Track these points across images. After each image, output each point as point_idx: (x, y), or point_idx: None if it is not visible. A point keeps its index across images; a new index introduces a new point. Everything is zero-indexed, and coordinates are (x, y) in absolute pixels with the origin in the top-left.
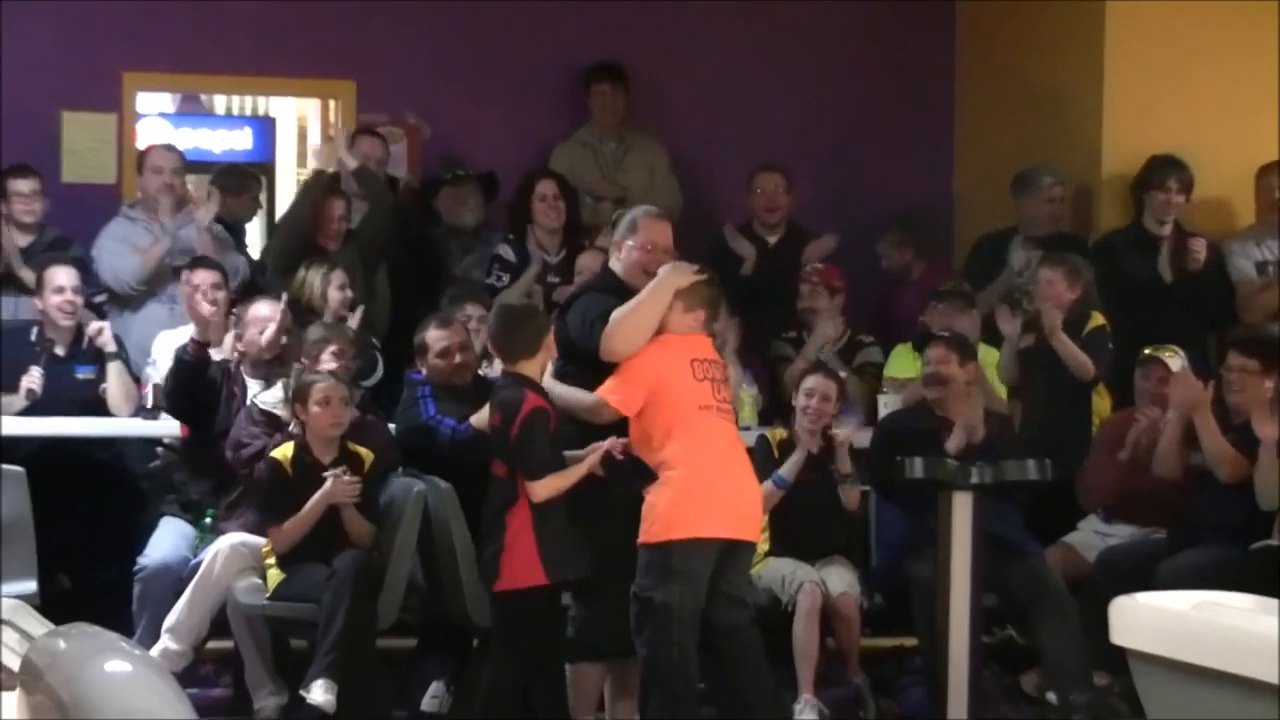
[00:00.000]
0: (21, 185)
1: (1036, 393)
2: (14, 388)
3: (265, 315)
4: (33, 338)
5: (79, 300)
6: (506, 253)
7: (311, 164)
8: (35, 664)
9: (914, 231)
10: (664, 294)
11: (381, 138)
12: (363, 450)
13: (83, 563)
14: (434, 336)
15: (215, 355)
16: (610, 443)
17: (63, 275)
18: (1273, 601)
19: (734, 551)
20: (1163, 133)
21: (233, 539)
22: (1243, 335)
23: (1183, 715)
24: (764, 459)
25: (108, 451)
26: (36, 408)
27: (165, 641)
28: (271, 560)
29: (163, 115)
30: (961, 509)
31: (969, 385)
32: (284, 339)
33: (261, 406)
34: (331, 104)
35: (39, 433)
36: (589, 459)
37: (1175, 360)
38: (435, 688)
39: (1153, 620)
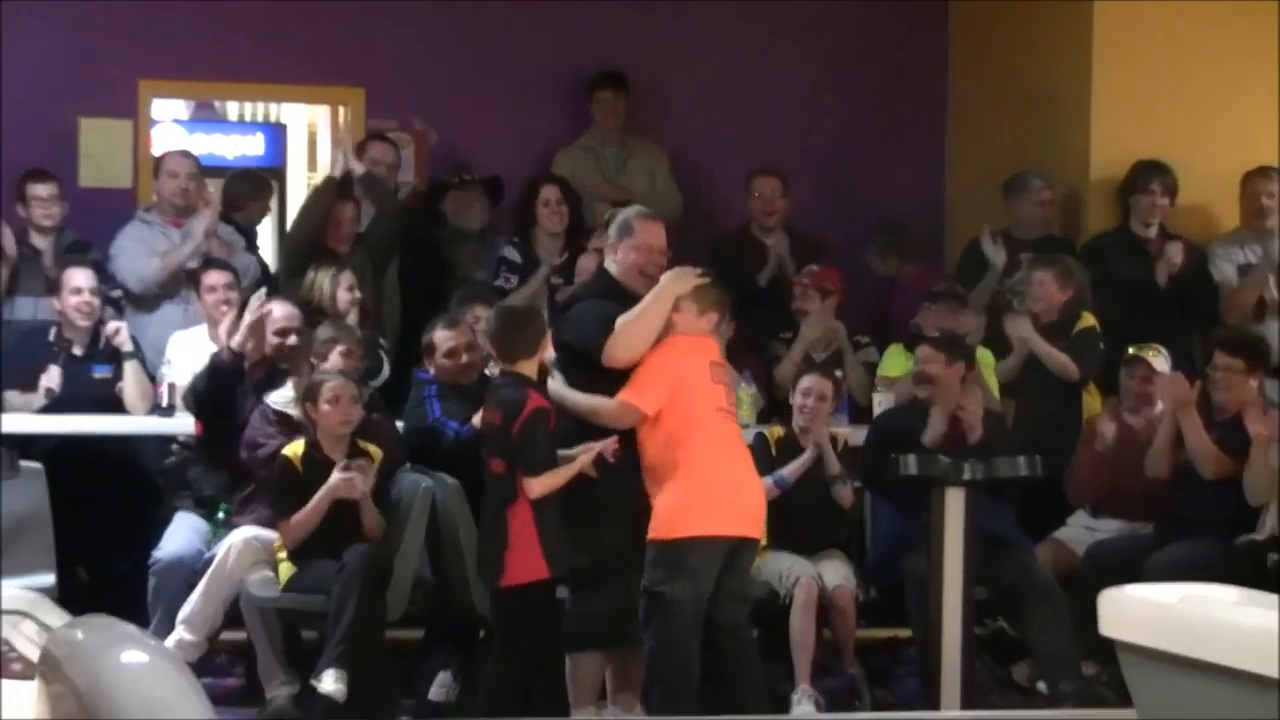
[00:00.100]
0: (40, 190)
1: (1029, 391)
2: (33, 387)
3: (278, 317)
4: (51, 338)
5: (96, 301)
6: (512, 254)
7: (324, 168)
8: (53, 654)
9: (897, 239)
10: (667, 300)
11: (393, 143)
12: (372, 447)
13: (100, 556)
14: (441, 337)
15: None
16: (604, 444)
17: (80, 277)
18: (1257, 594)
19: (740, 549)
20: (1150, 138)
21: (245, 533)
22: (1228, 335)
23: (1169, 704)
24: (762, 456)
25: (124, 448)
26: (55, 406)
27: (180, 633)
28: (283, 554)
29: (177, 121)
30: (954, 504)
31: (957, 383)
32: (293, 340)
33: (275, 407)
34: (341, 110)
35: (57, 430)
36: (582, 459)
37: (1159, 359)
38: (442, 678)
39: (1140, 612)
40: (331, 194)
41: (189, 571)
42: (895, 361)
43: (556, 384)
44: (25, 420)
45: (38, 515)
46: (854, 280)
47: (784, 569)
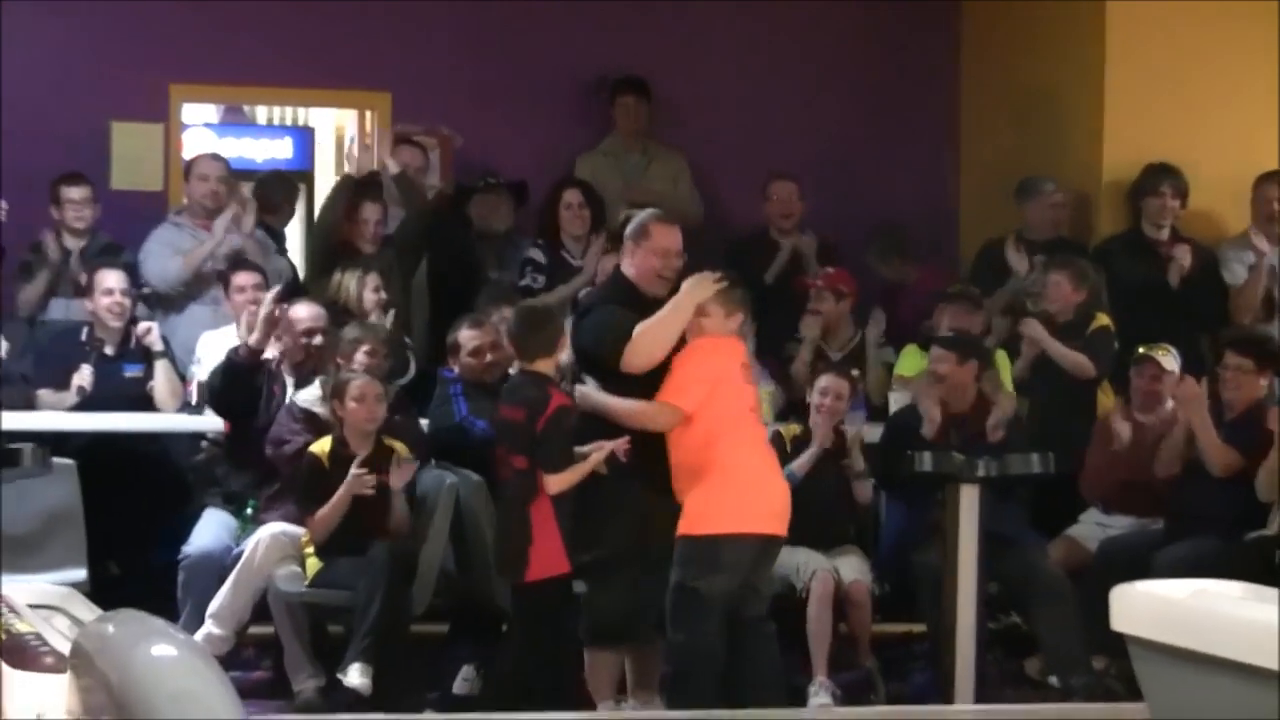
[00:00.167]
0: (73, 192)
1: (1043, 390)
2: (66, 385)
3: (304, 317)
4: (83, 338)
5: (127, 302)
6: (538, 255)
7: (347, 169)
8: (85, 648)
9: (895, 241)
10: (687, 309)
11: (421, 147)
12: (397, 445)
13: (130, 551)
14: (466, 336)
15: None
16: (616, 443)
17: (112, 278)
18: (1266, 590)
19: (768, 546)
20: (1161, 141)
21: (273, 529)
22: (1238, 335)
23: (1179, 697)
24: (778, 453)
25: (154, 446)
26: (87, 404)
27: (209, 627)
28: (310, 549)
29: (207, 125)
30: (968, 501)
31: (970, 382)
32: (316, 340)
33: (301, 405)
34: (368, 115)
35: (89, 428)
36: (594, 456)
37: (1168, 358)
38: (466, 671)
39: (1151, 607)
40: (348, 192)
41: (218, 566)
42: (910, 361)
43: (590, 389)
44: (58, 418)
45: (70, 511)
46: (864, 282)
47: (800, 563)
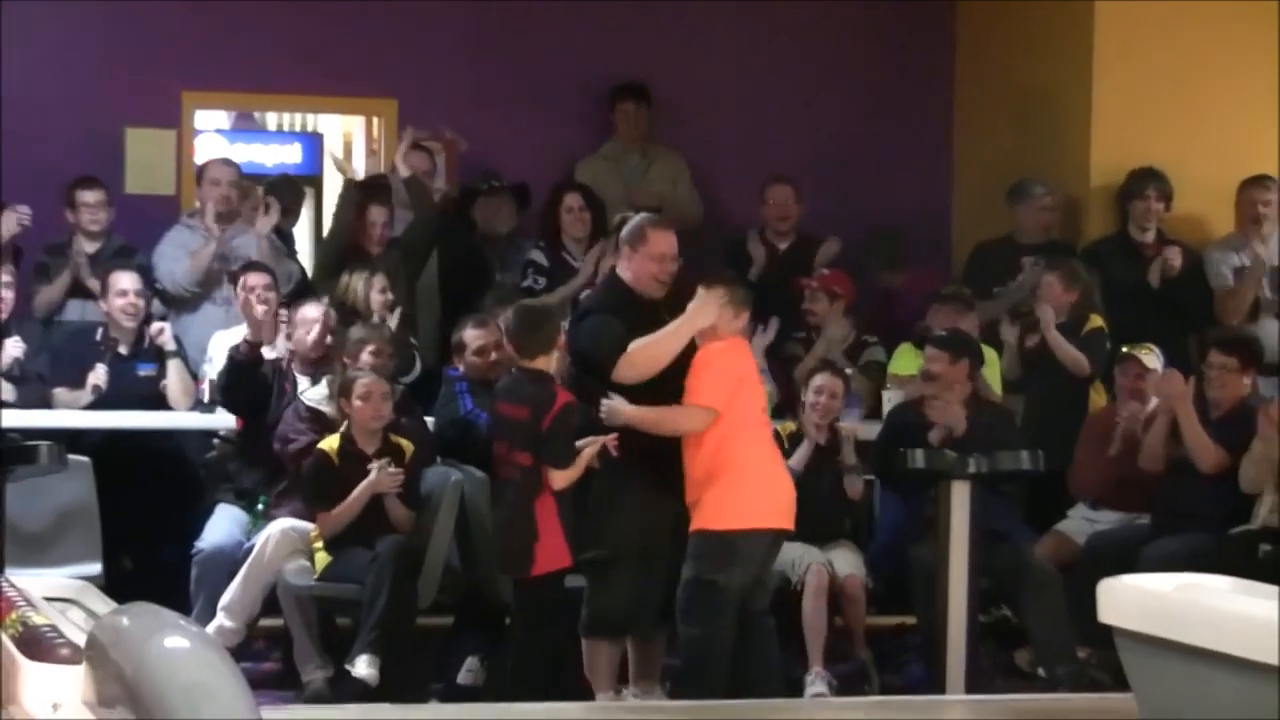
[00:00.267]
0: (88, 196)
1: (1038, 389)
2: (81, 384)
3: (313, 317)
4: (98, 338)
5: (141, 303)
6: (540, 257)
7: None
8: (100, 640)
9: (886, 248)
10: (689, 331)
11: (429, 151)
12: (404, 442)
13: (144, 546)
14: (471, 335)
15: (268, 354)
16: (607, 439)
17: (125, 280)
18: (1249, 583)
19: (776, 540)
20: (1148, 146)
21: (283, 524)
22: (1224, 335)
23: (1164, 688)
24: None
25: (167, 443)
26: (102, 402)
27: (220, 619)
28: (319, 544)
29: (219, 131)
30: (960, 497)
31: (962, 380)
32: (328, 339)
33: (308, 403)
34: (374, 120)
35: (104, 426)
36: (587, 451)
37: (1151, 357)
38: (470, 662)
39: (1138, 600)
40: (359, 198)
41: (229, 561)
42: (905, 360)
43: (618, 402)
44: (73, 416)
45: (85, 507)
46: (859, 283)
47: (796, 557)
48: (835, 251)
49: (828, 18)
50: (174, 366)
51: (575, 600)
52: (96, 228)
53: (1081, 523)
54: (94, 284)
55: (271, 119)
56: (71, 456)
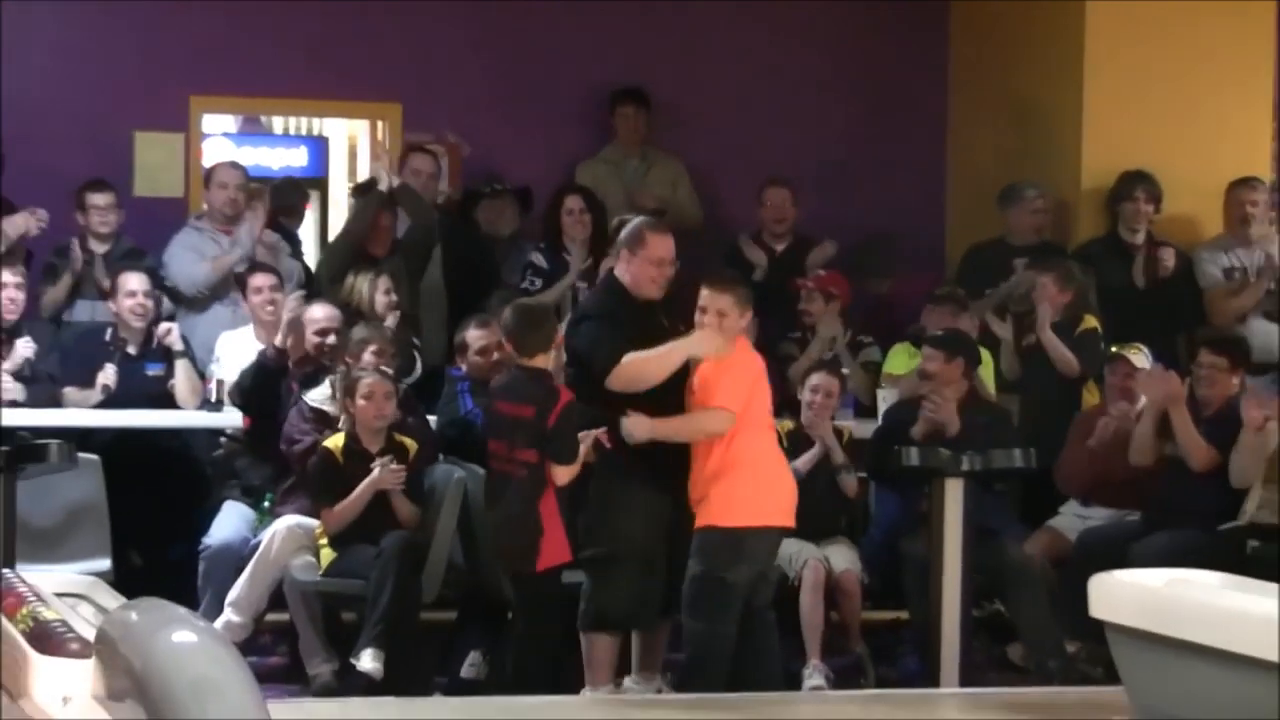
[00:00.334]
0: (98, 199)
1: (1034, 388)
2: (90, 383)
3: (319, 318)
4: (107, 338)
5: (149, 303)
6: (539, 260)
7: (380, 178)
8: (109, 634)
9: (872, 258)
10: (682, 356)
11: (433, 154)
12: (407, 440)
13: (152, 542)
14: (473, 336)
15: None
16: (597, 432)
17: (134, 281)
18: (1237, 578)
19: (780, 537)
20: (1137, 150)
21: (289, 521)
22: (1214, 336)
23: (1154, 681)
24: None
25: (175, 441)
26: (111, 401)
27: (227, 614)
28: (324, 540)
29: (226, 135)
30: (953, 494)
31: (957, 378)
32: (332, 339)
33: (311, 404)
34: (379, 124)
35: (113, 424)
36: (583, 446)
37: (1140, 357)
38: (473, 656)
39: (1128, 595)
40: (379, 206)
41: (236, 557)
42: (899, 360)
43: (639, 419)
44: (83, 415)
45: (95, 504)
46: (855, 285)
47: (793, 553)
48: (831, 254)
49: (824, 23)
50: (182, 366)
51: (573, 595)
52: (106, 230)
53: (1073, 519)
54: (105, 282)
55: (278, 123)
56: (81, 455)
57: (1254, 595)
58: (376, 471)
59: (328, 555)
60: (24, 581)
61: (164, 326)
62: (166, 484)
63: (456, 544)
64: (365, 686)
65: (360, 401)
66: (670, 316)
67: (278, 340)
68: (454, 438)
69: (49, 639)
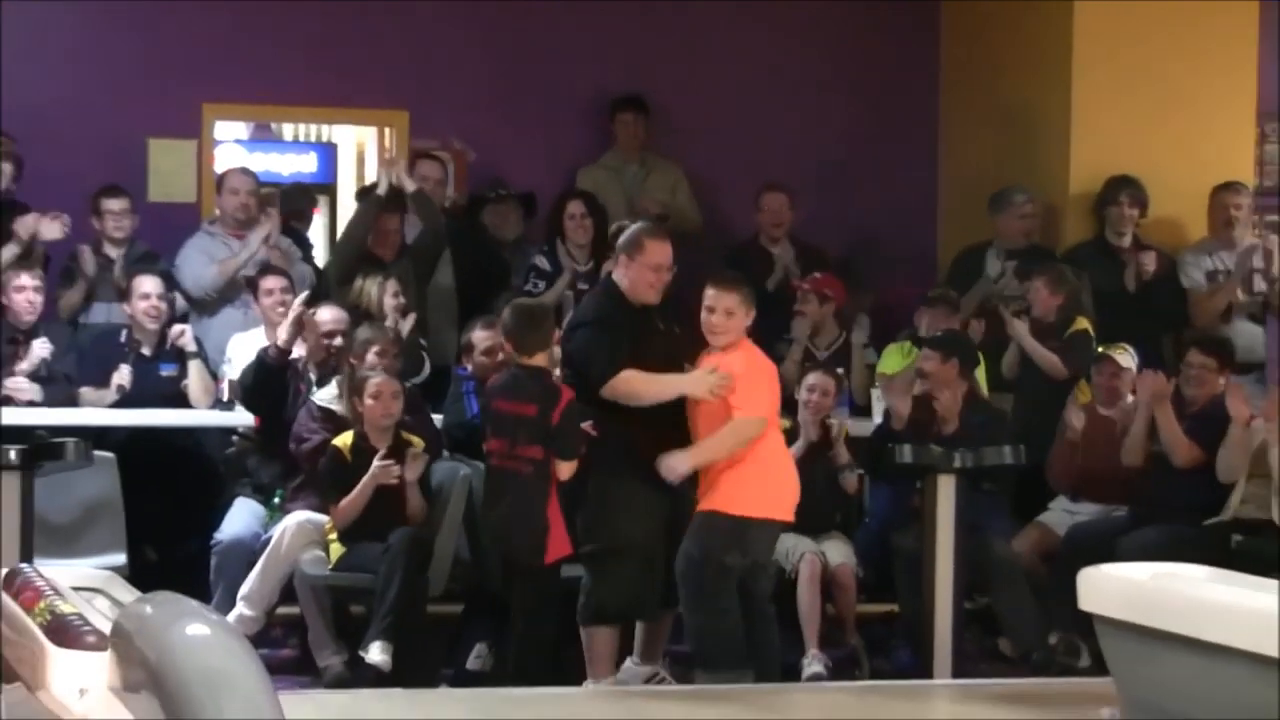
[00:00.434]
0: (113, 204)
1: (1029, 388)
2: (106, 384)
3: (326, 320)
4: (122, 339)
5: (163, 306)
6: (542, 262)
7: (380, 181)
8: (124, 627)
9: (850, 274)
10: (676, 391)
11: (441, 161)
12: (414, 438)
13: (166, 538)
14: (479, 336)
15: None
16: (585, 424)
17: (148, 284)
18: (1222, 572)
19: (780, 530)
20: (1124, 156)
21: (299, 517)
22: (1203, 337)
23: (1141, 672)
24: None
25: (188, 440)
26: (126, 401)
27: (240, 608)
28: (333, 535)
29: (238, 141)
30: (945, 490)
31: (952, 378)
32: (338, 340)
33: (319, 404)
34: (387, 131)
35: (128, 423)
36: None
37: (1125, 357)
38: (479, 649)
39: (1116, 588)
40: (378, 209)
41: (248, 552)
42: (892, 360)
43: (674, 458)
44: (99, 414)
45: (110, 501)
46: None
47: (789, 547)
48: (792, 256)
49: (818, 32)
50: (195, 367)
51: (572, 589)
52: (121, 234)
53: (1062, 515)
54: (121, 285)
55: (288, 130)
56: (97, 452)
57: (1238, 588)
58: (375, 467)
59: (337, 550)
60: (41, 576)
61: (177, 328)
62: (180, 481)
63: (462, 539)
64: (373, 678)
65: (368, 401)
66: (666, 320)
67: (281, 339)
68: (460, 437)
69: (66, 632)
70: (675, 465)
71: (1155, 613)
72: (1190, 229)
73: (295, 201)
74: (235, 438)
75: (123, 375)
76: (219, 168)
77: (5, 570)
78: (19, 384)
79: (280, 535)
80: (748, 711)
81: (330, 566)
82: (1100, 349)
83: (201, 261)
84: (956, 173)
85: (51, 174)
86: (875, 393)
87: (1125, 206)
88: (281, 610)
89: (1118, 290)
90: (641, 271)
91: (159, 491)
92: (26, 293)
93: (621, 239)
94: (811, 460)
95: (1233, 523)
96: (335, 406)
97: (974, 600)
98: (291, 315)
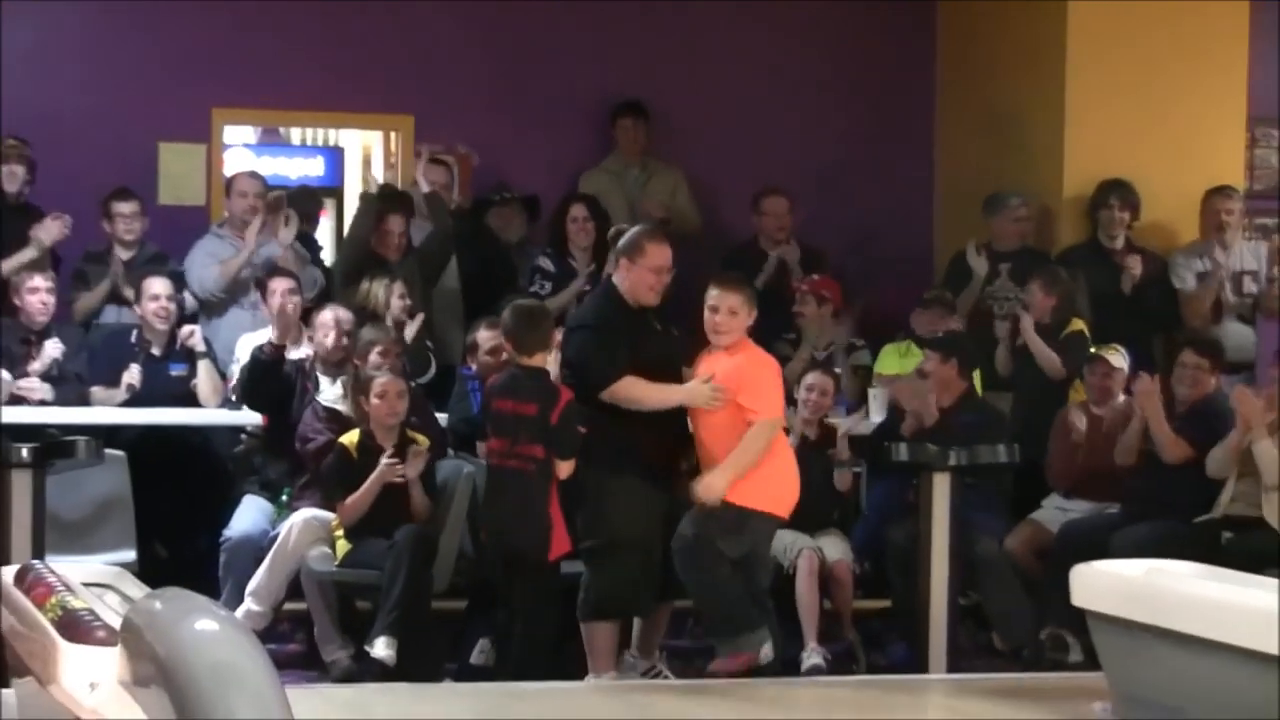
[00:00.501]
0: (124, 207)
1: (1025, 387)
2: (116, 383)
3: (332, 320)
4: (132, 340)
5: (173, 307)
6: (546, 264)
7: (378, 182)
8: (135, 623)
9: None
10: (674, 403)
11: (448, 165)
12: (420, 437)
13: (176, 535)
14: (484, 336)
15: (293, 354)
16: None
17: (158, 285)
18: (1213, 568)
19: (777, 525)
20: (1117, 159)
21: (306, 514)
22: (1197, 338)
23: (1133, 666)
24: None
25: (197, 438)
26: (136, 400)
27: (248, 603)
28: (340, 532)
29: (246, 145)
30: (940, 487)
31: (953, 376)
32: (344, 340)
33: (324, 404)
34: (392, 135)
35: (138, 422)
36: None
37: (1117, 357)
38: (482, 644)
39: (1108, 584)
40: (375, 209)
41: (256, 549)
42: (888, 361)
43: (712, 479)
44: (109, 413)
45: (121, 498)
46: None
47: (787, 543)
48: (797, 256)
49: (817, 34)
50: (204, 367)
51: (572, 585)
52: (131, 236)
53: (1055, 512)
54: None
55: (295, 134)
56: (108, 451)
57: (1228, 585)
58: (380, 466)
59: (343, 547)
60: (53, 572)
61: (187, 329)
62: (189, 479)
63: (466, 536)
64: (379, 672)
65: (374, 400)
66: (664, 321)
67: (274, 336)
68: (465, 433)
69: (77, 627)
70: (713, 485)
71: (1147, 608)
72: (1182, 232)
73: (302, 204)
74: (244, 436)
75: (133, 375)
76: (228, 171)
77: (17, 566)
78: (31, 384)
79: (287, 532)
80: (747, 706)
81: (336, 563)
82: (1092, 349)
83: (208, 264)
84: (952, 175)
85: (64, 177)
86: (872, 392)
87: (1116, 209)
88: (289, 606)
89: (1110, 291)
90: (642, 274)
91: (168, 489)
92: (40, 294)
93: (621, 242)
94: (809, 459)
95: (1223, 520)
96: (340, 406)
97: (967, 596)
98: (284, 307)
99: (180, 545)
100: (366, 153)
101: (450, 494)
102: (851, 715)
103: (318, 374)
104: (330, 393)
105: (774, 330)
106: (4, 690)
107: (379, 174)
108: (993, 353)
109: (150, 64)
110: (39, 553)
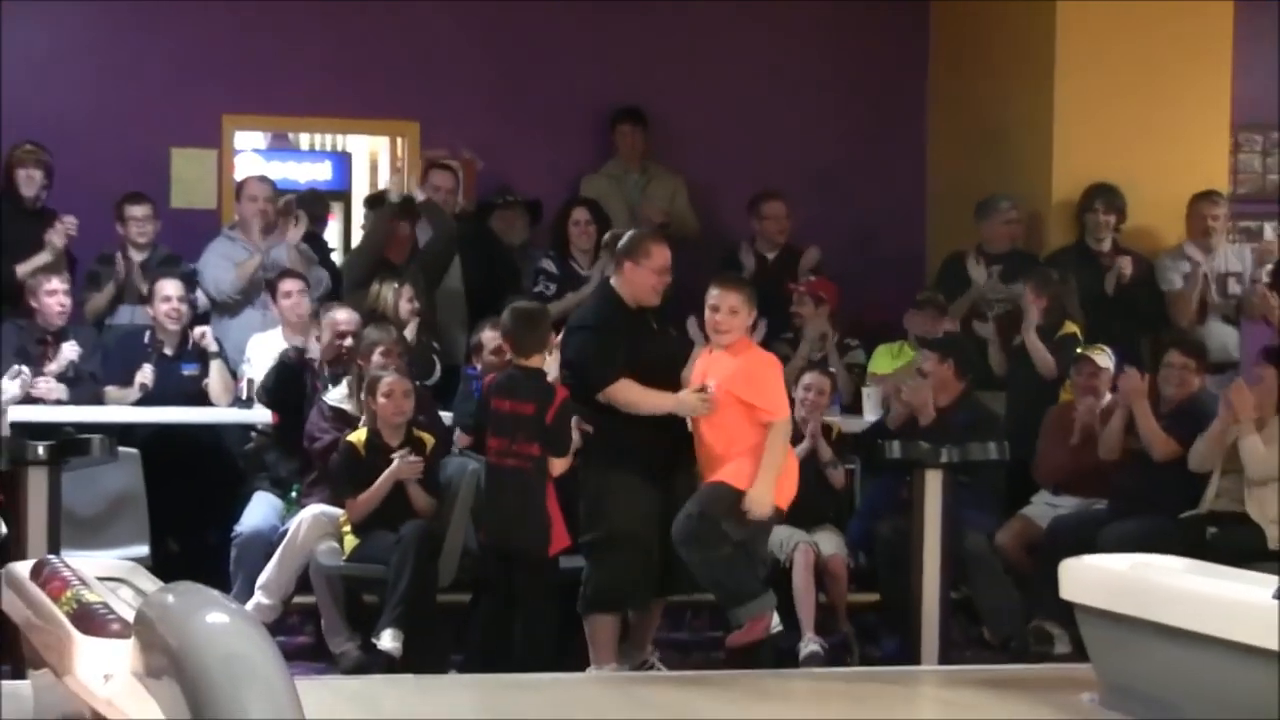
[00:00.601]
0: (137, 210)
1: (1019, 386)
2: (130, 383)
3: (340, 320)
4: (145, 340)
5: (184, 308)
6: (549, 266)
7: (390, 190)
8: (147, 616)
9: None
10: (668, 409)
11: (453, 170)
12: (425, 435)
13: (188, 530)
14: (488, 337)
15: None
16: (575, 420)
17: (170, 287)
18: (1196, 563)
19: (776, 516)
20: (1103, 165)
21: (314, 510)
22: (1184, 339)
23: (1120, 657)
24: None
25: (209, 436)
26: (149, 399)
27: (258, 597)
28: (347, 528)
29: (256, 150)
30: (933, 484)
31: (949, 377)
32: (349, 341)
33: (330, 403)
34: (399, 140)
35: (151, 420)
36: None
37: (1103, 357)
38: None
39: (1096, 578)
40: (390, 217)
41: (266, 543)
42: (882, 360)
43: (759, 492)
44: (123, 412)
45: (134, 495)
46: (843, 290)
47: (784, 538)
48: (816, 258)
49: (813, 37)
50: (215, 366)
51: (572, 579)
52: (144, 239)
53: (1044, 508)
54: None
55: (304, 139)
56: (121, 449)
57: (1213, 579)
58: (396, 463)
59: (351, 542)
60: (68, 566)
61: (199, 329)
62: (201, 476)
63: (470, 531)
64: (385, 664)
65: (381, 399)
66: (661, 322)
67: (299, 342)
68: (468, 432)
69: (91, 620)
70: (761, 499)
71: (1133, 602)
72: (1168, 235)
73: (311, 208)
74: (254, 434)
75: (146, 375)
76: (238, 176)
77: (34, 561)
78: (48, 386)
79: (297, 527)
80: (745, 696)
81: (344, 557)
82: (1079, 350)
83: (222, 265)
84: (943, 178)
85: (79, 182)
86: (866, 391)
87: (1102, 213)
88: (298, 599)
89: (1097, 293)
90: (646, 275)
91: (181, 486)
92: (58, 296)
93: (623, 243)
94: (805, 456)
95: (1208, 516)
96: (346, 406)
97: (958, 590)
98: (297, 315)
99: (192, 540)
100: (373, 158)
101: (455, 490)
102: (847, 706)
103: (324, 373)
104: (336, 392)
105: (772, 330)
106: (20, 681)
107: (385, 179)
108: (983, 352)
109: (163, 71)
110: (54, 548)
